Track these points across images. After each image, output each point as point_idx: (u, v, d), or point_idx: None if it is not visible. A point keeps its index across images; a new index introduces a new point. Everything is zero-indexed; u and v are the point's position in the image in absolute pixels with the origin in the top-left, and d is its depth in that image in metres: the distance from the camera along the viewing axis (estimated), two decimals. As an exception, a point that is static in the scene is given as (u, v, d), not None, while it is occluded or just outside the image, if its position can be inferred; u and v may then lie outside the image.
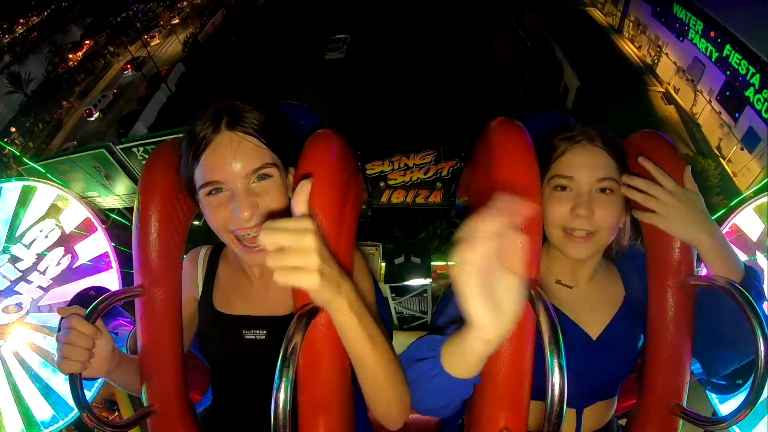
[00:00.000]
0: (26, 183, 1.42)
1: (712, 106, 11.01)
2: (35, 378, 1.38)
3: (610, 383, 0.93)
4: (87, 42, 28.16)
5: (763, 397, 0.78)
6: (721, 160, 10.03)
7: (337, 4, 23.38)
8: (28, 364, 1.39)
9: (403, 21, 19.95)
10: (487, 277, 0.49)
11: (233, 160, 0.75)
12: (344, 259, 0.78)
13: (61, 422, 1.37)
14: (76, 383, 0.77)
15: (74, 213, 1.41)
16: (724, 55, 10.88)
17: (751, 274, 0.80)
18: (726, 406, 1.24)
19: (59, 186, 1.43)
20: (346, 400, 0.81)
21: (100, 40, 28.18)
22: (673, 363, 0.86)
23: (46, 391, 1.38)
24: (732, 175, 10.26)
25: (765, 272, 1.24)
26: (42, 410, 1.38)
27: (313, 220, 0.58)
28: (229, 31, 24.33)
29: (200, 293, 0.96)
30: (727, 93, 10.86)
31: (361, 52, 18.36)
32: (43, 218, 1.40)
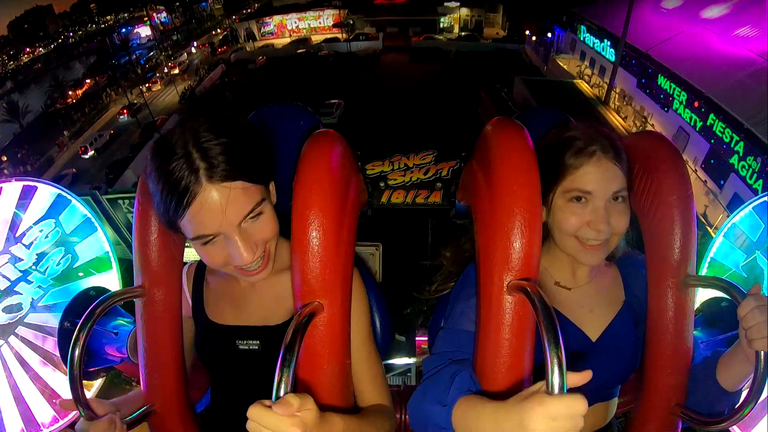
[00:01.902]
0: (26, 183, 1.42)
1: (698, 175, 11.14)
2: (35, 378, 1.38)
3: (609, 385, 0.93)
4: (88, 81, 28.58)
5: (763, 397, 0.78)
6: (708, 228, 10.09)
7: (334, 72, 24.27)
8: (28, 364, 1.39)
9: (397, 90, 20.65)
10: None
11: (224, 213, 0.71)
12: (344, 259, 0.78)
13: (61, 422, 1.37)
14: (76, 383, 0.77)
15: (74, 213, 1.41)
16: (708, 124, 11.00)
17: None
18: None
19: (59, 186, 1.42)
20: (346, 401, 0.82)
21: (101, 81, 28.61)
22: (673, 363, 0.86)
23: (46, 391, 1.38)
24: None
25: (765, 272, 1.24)
26: (42, 410, 1.38)
27: (304, 401, 0.56)
28: (225, 87, 24.86)
29: (191, 309, 0.96)
30: (712, 161, 10.97)
31: (354, 118, 18.65)
32: (43, 218, 1.40)
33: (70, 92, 27.14)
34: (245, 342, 0.90)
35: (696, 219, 0.86)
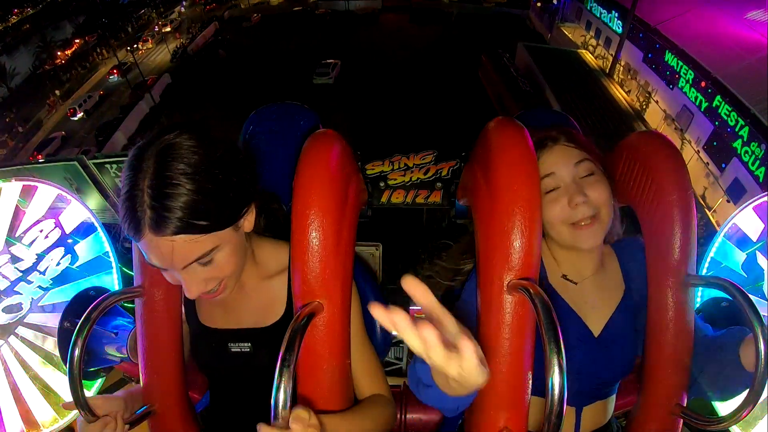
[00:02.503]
0: (26, 183, 1.42)
1: (700, 156, 11.04)
2: (35, 378, 1.38)
3: (609, 381, 0.93)
4: (77, 41, 27.94)
5: (763, 397, 0.77)
6: (706, 210, 10.00)
7: (332, 30, 23.82)
8: (28, 364, 1.39)
9: (396, 51, 20.24)
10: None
11: (165, 259, 0.69)
12: (344, 259, 0.78)
13: (61, 422, 1.38)
14: (76, 383, 0.77)
15: (74, 213, 1.41)
16: (713, 105, 10.83)
17: None
18: (726, 406, 1.24)
19: (59, 186, 1.42)
20: (346, 400, 0.82)
21: (90, 40, 28.00)
22: (673, 363, 0.86)
23: (46, 391, 1.38)
24: (716, 225, 10.19)
25: (765, 272, 1.24)
26: (42, 410, 1.38)
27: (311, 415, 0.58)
28: (219, 45, 24.35)
29: (183, 312, 0.96)
30: (715, 143, 10.83)
31: (351, 79, 18.27)
32: (43, 218, 1.40)
33: (58, 53, 26.49)
34: (237, 344, 0.90)
35: (696, 219, 0.86)
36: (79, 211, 1.41)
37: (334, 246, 0.74)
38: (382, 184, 1.20)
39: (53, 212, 1.41)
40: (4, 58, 24.57)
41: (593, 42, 17.88)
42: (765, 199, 1.26)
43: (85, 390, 0.79)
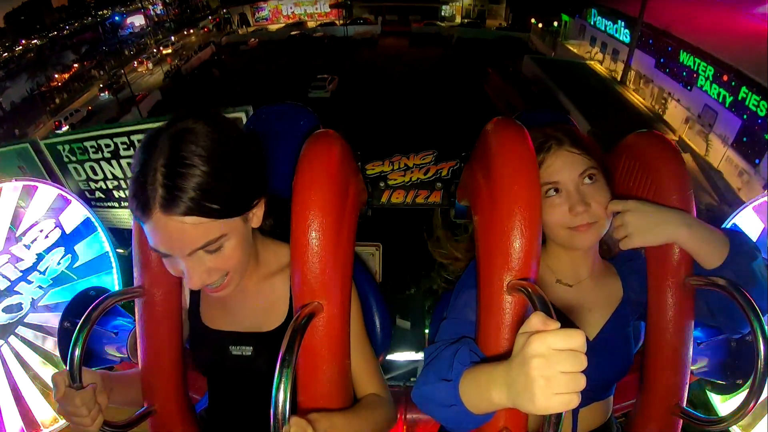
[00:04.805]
0: (26, 183, 1.42)
1: (728, 155, 10.47)
2: (35, 378, 1.39)
3: (605, 384, 0.93)
4: (75, 65, 28.13)
5: (763, 397, 0.78)
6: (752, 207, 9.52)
7: (329, 53, 23.38)
8: (28, 364, 1.39)
9: (396, 69, 19.88)
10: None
11: (172, 242, 0.68)
12: (344, 259, 0.78)
13: (61, 422, 1.38)
14: (76, 383, 0.77)
15: (74, 213, 1.41)
16: (739, 98, 10.37)
17: (735, 238, 0.82)
18: (726, 406, 1.24)
19: (59, 186, 1.43)
20: (345, 400, 0.82)
21: (88, 65, 28.18)
22: (673, 363, 0.86)
23: (46, 391, 1.38)
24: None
25: (765, 272, 1.24)
26: (42, 410, 1.38)
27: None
28: (213, 65, 24.01)
29: (188, 304, 0.96)
30: (744, 139, 10.28)
31: (348, 94, 17.69)
32: (43, 218, 1.40)
33: (56, 75, 26.63)
34: (238, 347, 0.89)
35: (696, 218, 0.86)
36: (79, 211, 1.41)
37: (334, 246, 0.74)
38: (382, 184, 1.20)
39: (53, 212, 1.41)
40: (4, 84, 24.71)
41: (599, 56, 17.69)
42: (765, 199, 1.26)
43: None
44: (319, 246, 0.73)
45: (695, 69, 12.07)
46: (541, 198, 0.84)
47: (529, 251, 0.69)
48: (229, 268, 0.76)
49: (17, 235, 1.39)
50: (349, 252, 0.80)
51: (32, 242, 1.40)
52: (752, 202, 1.28)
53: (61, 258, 1.40)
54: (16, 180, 1.41)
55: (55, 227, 1.40)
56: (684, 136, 12.54)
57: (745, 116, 10.28)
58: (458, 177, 1.16)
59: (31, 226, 1.40)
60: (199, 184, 0.65)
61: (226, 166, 0.69)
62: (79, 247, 1.41)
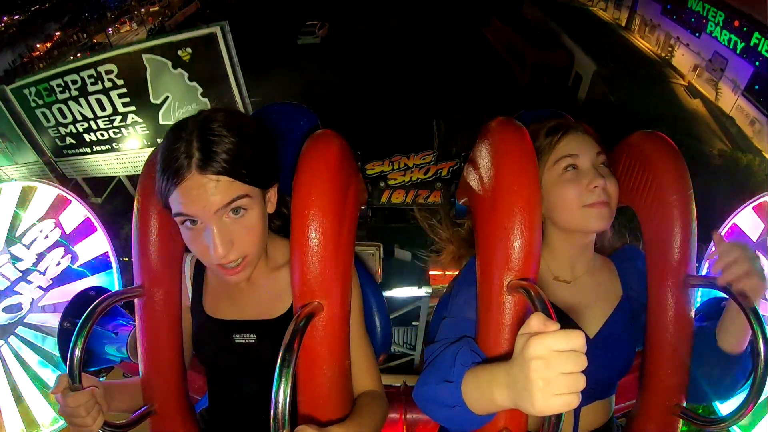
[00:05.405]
0: (26, 183, 1.42)
1: (739, 104, 10.09)
2: (35, 378, 1.39)
3: (606, 382, 0.93)
4: (57, 33, 27.73)
5: (763, 397, 0.78)
6: (766, 153, 8.79)
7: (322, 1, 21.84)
8: (28, 364, 1.39)
9: (392, 13, 18.56)
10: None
11: (205, 199, 0.74)
12: (344, 259, 0.78)
13: (61, 422, 1.38)
14: (76, 383, 0.77)
15: (74, 213, 1.41)
16: (751, 44, 9.92)
17: None
18: (726, 406, 1.24)
19: (59, 186, 1.43)
20: (345, 400, 0.82)
21: (70, 32, 27.82)
22: (673, 363, 0.86)
23: (46, 391, 1.38)
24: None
25: (765, 272, 1.24)
26: (42, 410, 1.38)
27: None
28: (198, 18, 22.87)
29: (191, 300, 0.96)
30: (756, 87, 9.83)
31: (340, 39, 16.77)
32: (43, 218, 1.41)
33: (38, 45, 26.11)
34: (242, 335, 0.90)
35: (696, 218, 0.86)
36: (79, 210, 1.41)
37: (333, 246, 0.74)
38: (382, 184, 1.20)
39: (53, 212, 1.41)
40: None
41: (602, 4, 16.82)
42: (765, 199, 1.26)
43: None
44: (319, 246, 0.73)
45: (704, 15, 11.52)
46: (557, 176, 0.85)
47: (529, 251, 0.69)
48: (247, 247, 0.79)
49: (17, 235, 1.39)
50: (349, 252, 0.80)
51: (32, 242, 1.40)
52: (752, 202, 1.28)
53: (61, 258, 1.40)
54: (15, 180, 1.41)
55: (54, 227, 1.40)
56: (694, 82, 12.12)
57: (757, 62, 9.82)
58: (458, 177, 1.16)
59: (30, 226, 1.40)
60: (230, 150, 0.74)
61: (248, 143, 0.78)
62: (78, 247, 1.41)
